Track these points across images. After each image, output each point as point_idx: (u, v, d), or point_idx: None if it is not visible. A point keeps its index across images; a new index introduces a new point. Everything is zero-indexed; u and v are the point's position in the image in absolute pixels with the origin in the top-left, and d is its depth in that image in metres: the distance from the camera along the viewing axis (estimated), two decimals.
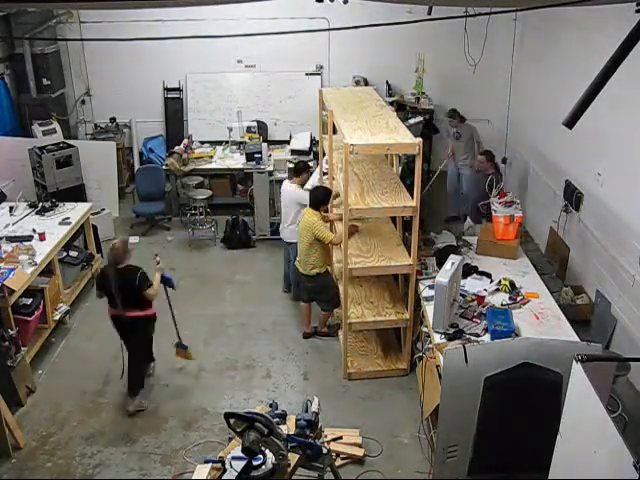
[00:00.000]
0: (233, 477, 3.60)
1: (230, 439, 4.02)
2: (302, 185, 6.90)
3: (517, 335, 4.68)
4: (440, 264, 5.27)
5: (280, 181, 8.60)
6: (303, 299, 6.52)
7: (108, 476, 4.87)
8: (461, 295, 5.25)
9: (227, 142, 9.66)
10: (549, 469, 3.49)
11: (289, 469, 3.74)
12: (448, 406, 4.23)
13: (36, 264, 6.16)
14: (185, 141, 9.51)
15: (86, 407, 5.59)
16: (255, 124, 9.67)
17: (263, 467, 3.60)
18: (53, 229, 6.87)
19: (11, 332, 5.44)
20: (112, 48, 9.51)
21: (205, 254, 8.42)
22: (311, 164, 8.98)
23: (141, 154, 10.35)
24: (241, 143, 9.47)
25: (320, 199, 6.00)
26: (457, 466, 4.39)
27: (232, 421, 3.61)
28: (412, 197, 5.41)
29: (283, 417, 4.00)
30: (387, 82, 10.16)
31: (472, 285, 5.46)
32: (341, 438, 5.07)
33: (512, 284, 5.41)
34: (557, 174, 7.39)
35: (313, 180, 7.79)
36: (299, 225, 6.15)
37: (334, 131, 6.23)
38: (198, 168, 9.12)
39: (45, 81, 9.35)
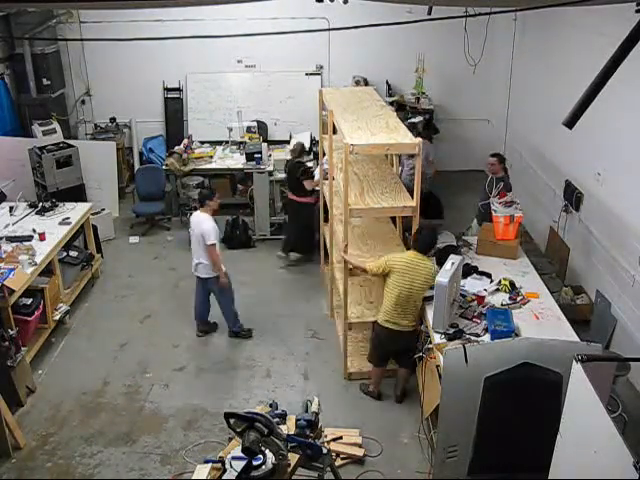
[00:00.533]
0: (233, 477, 3.60)
1: (230, 439, 4.02)
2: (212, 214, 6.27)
3: (517, 335, 4.67)
4: (440, 264, 5.27)
5: (280, 181, 8.64)
6: (380, 364, 5.58)
7: (108, 476, 4.87)
8: (461, 295, 5.25)
9: (227, 142, 9.65)
10: (549, 469, 3.49)
11: (289, 469, 3.74)
12: (448, 406, 4.23)
13: (36, 264, 6.16)
14: (185, 141, 9.50)
15: (86, 407, 5.59)
16: (255, 124, 9.67)
17: (263, 467, 3.60)
18: (53, 229, 6.87)
19: (11, 332, 5.44)
20: (112, 48, 9.52)
21: None
22: (312, 166, 9.00)
23: (141, 154, 10.36)
24: (241, 143, 9.47)
25: (431, 242, 5.27)
26: (457, 466, 4.39)
27: (232, 421, 3.61)
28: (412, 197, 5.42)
29: (283, 417, 4.00)
30: (387, 82, 10.17)
31: (472, 285, 5.45)
32: (341, 438, 5.07)
33: (512, 284, 5.40)
34: (557, 174, 7.39)
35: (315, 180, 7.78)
36: (409, 274, 5.08)
37: (334, 131, 6.23)
38: (198, 168, 9.11)
39: (45, 81, 9.35)
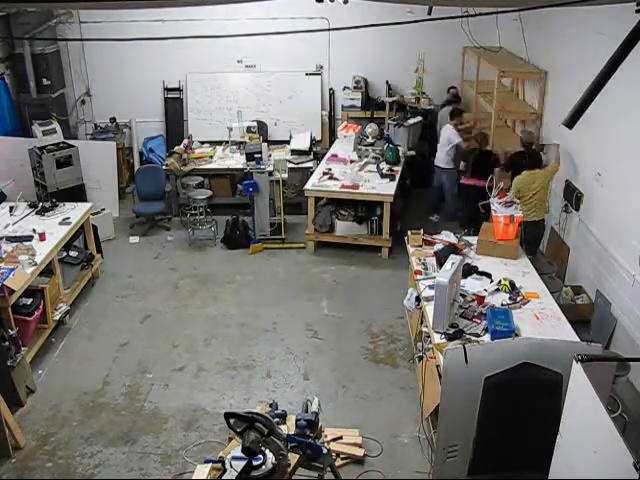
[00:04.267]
0: (233, 477, 3.60)
1: (230, 439, 4.02)
2: (456, 126, 8.39)
3: (517, 335, 4.68)
4: (440, 264, 5.27)
5: (278, 181, 8.65)
6: None
7: (108, 476, 4.86)
8: (461, 295, 5.24)
9: (227, 142, 9.66)
10: (549, 469, 3.50)
11: (289, 469, 3.73)
12: (448, 406, 4.22)
13: (36, 264, 6.15)
14: (185, 141, 9.51)
15: (86, 407, 5.58)
16: (255, 124, 9.67)
17: (263, 467, 3.60)
18: (53, 229, 6.86)
19: (11, 332, 5.44)
20: (112, 48, 9.53)
21: (205, 254, 8.42)
22: (311, 164, 8.98)
23: (141, 154, 10.36)
24: (241, 143, 9.48)
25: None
26: (457, 466, 4.38)
27: (232, 421, 3.61)
28: None
29: (283, 417, 4.00)
30: (387, 82, 10.17)
31: (472, 285, 5.45)
32: (341, 438, 5.07)
33: (512, 284, 5.40)
34: (557, 174, 7.38)
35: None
36: (540, 175, 6.69)
37: None
38: (198, 168, 9.12)
39: (45, 81, 9.36)
